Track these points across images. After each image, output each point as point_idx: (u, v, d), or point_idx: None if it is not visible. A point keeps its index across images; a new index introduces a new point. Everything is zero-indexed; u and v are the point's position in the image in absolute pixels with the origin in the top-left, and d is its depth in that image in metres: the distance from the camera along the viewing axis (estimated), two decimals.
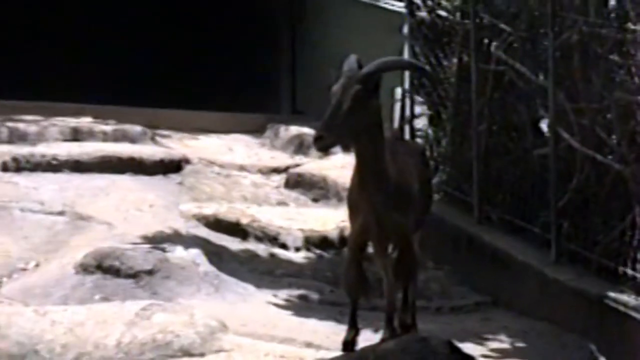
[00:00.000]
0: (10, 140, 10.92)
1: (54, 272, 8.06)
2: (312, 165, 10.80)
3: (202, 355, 5.82)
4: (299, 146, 11.64)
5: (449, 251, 8.81)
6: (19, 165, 10.33)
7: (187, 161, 10.90)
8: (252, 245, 9.05)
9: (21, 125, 11.25)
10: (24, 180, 10.13)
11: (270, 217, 9.46)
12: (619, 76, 7.59)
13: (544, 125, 8.32)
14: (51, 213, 9.33)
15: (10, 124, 11.23)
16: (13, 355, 5.73)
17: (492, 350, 6.97)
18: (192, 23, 14.93)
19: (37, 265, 8.34)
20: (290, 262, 8.81)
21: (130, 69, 14.39)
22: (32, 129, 11.19)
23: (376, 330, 5.43)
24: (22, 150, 10.61)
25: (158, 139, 11.62)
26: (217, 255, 8.46)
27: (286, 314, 7.59)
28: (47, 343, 5.81)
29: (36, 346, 5.78)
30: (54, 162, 10.41)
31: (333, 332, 5.91)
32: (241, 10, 14.70)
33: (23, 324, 5.92)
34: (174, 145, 11.54)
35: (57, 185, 10.02)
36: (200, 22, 14.94)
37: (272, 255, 8.92)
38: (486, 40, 9.07)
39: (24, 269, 8.27)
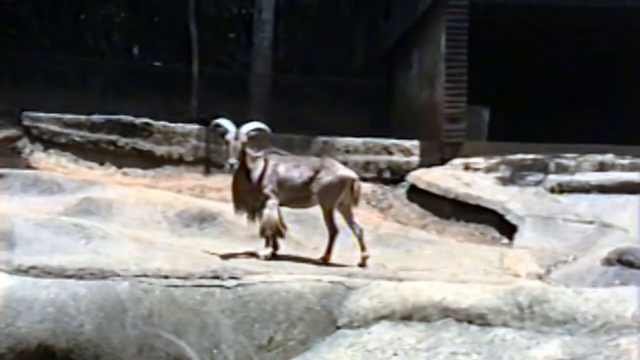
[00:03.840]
0: (556, 171, 10.97)
1: (586, 263, 8.00)
2: None
3: None
4: None
5: None
6: (561, 189, 10.38)
7: None
8: None
9: (564, 161, 11.25)
10: (565, 199, 10.17)
11: None
12: None
13: None
14: (584, 222, 9.33)
15: (556, 160, 11.27)
16: (558, 321, 5.67)
17: None
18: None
19: (574, 259, 8.34)
20: None
21: None
22: (572, 163, 11.15)
23: None
24: (564, 178, 10.65)
25: None
26: None
27: None
28: (583, 314, 5.68)
29: (574, 315, 5.68)
30: (586, 186, 10.32)
31: None
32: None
33: (565, 299, 5.85)
34: None
35: (588, 202, 9.94)
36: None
37: None
38: None
39: (565, 261, 8.31)
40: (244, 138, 7.27)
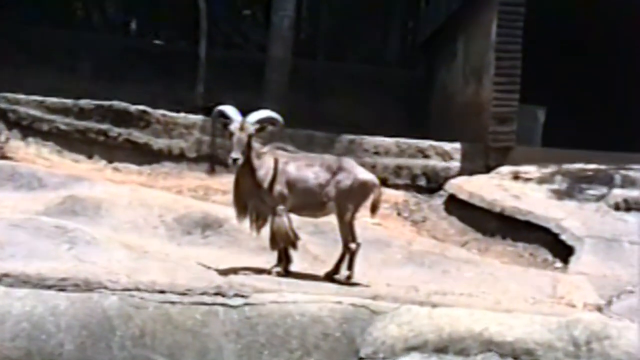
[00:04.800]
0: (622, 185, 10.91)
1: None
2: None
3: None
4: None
5: None
6: (628, 206, 10.33)
7: None
8: None
9: (632, 173, 11.19)
10: (632, 217, 10.12)
11: None
12: None
13: None
14: None
15: (623, 172, 11.22)
16: None
17: None
18: None
19: None
20: None
21: None
22: None
23: None
24: (632, 193, 10.60)
25: None
26: None
27: None
28: None
29: None
30: None
31: None
32: None
33: (629, 336, 5.86)
34: None
35: None
36: None
37: None
38: None
39: (630, 291, 8.25)
40: (250, 129, 7.20)
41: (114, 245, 7.42)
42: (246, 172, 7.31)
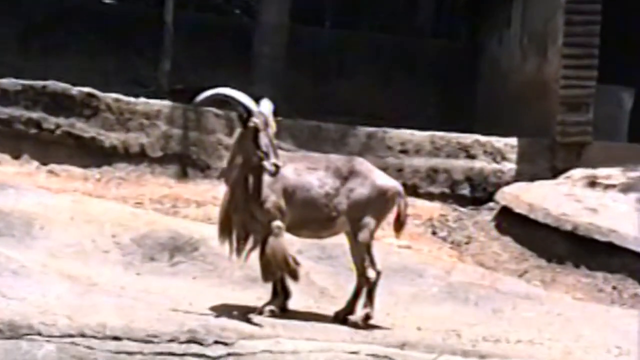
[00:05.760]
0: None
1: None
2: None
3: None
4: None
5: None
6: None
7: None
8: None
9: None
10: None
11: None
12: None
13: None
14: None
15: None
16: None
17: None
18: None
19: None
20: None
21: None
22: None
23: None
24: None
25: None
26: None
27: None
28: None
29: None
30: None
31: None
32: None
33: None
34: None
35: None
36: None
37: None
38: None
39: None
40: (274, 126, 7.27)
41: (50, 276, 7.43)
42: (242, 181, 7.31)
